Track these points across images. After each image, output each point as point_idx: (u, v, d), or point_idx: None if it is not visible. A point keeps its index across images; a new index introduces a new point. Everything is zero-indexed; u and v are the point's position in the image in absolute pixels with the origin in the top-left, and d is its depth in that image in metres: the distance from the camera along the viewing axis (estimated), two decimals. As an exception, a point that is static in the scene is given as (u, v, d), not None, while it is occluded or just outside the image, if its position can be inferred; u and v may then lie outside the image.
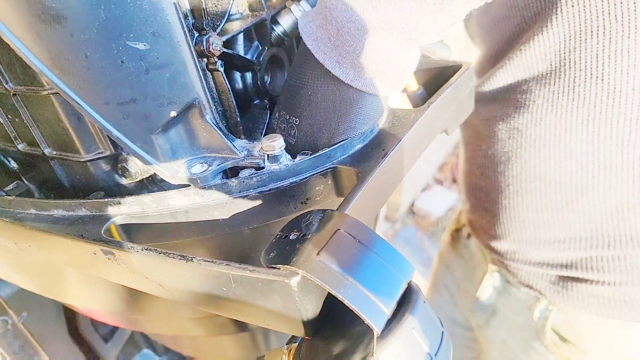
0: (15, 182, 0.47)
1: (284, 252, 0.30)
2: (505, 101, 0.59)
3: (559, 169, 0.57)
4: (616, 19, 0.46)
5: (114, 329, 0.79)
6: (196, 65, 0.34)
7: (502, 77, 0.58)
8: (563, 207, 0.59)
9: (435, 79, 0.52)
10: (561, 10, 0.49)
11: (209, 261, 0.30)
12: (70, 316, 0.73)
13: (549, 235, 0.62)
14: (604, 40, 0.47)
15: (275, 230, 0.41)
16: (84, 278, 0.48)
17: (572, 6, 0.48)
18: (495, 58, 0.61)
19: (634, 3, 0.45)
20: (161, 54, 0.32)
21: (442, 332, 0.30)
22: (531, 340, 0.68)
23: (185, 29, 0.33)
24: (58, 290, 0.56)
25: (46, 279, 0.53)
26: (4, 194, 0.45)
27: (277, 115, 0.42)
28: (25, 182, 0.47)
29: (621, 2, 0.45)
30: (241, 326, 0.54)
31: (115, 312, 0.57)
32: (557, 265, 0.63)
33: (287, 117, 0.41)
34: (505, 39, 0.58)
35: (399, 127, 0.41)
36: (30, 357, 0.78)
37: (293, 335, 0.40)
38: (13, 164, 0.47)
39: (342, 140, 0.39)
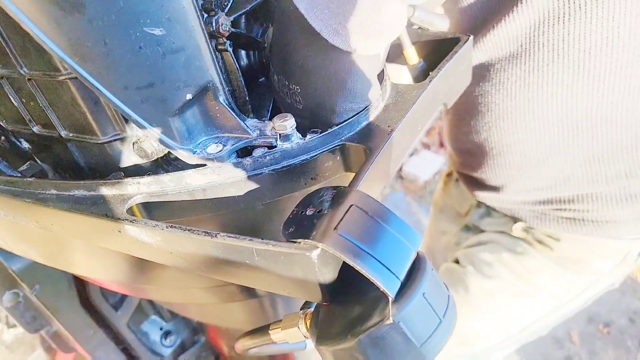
0: (28, 163, 0.48)
1: (303, 227, 0.32)
2: (482, 78, 0.66)
3: (534, 134, 0.66)
4: (580, 7, 0.53)
5: (123, 298, 0.82)
6: (210, 48, 0.35)
7: (477, 56, 0.65)
8: (540, 164, 0.69)
9: (435, 51, 0.53)
10: None
11: (232, 237, 0.32)
12: (81, 287, 0.76)
13: (530, 185, 0.73)
14: (569, 25, 0.55)
15: (286, 205, 0.43)
16: (93, 252, 0.50)
17: None
18: None
19: None
20: (177, 39, 0.33)
21: (448, 296, 0.33)
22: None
23: (199, 13, 0.34)
24: (70, 262, 0.58)
25: (57, 252, 0.55)
26: (18, 174, 0.46)
27: (275, 78, 0.42)
28: (39, 161, 0.48)
29: None
30: (250, 294, 0.57)
31: (125, 283, 0.59)
32: (536, 202, 0.75)
33: (287, 84, 0.41)
34: (478, 19, 0.64)
35: (402, 102, 0.43)
36: (42, 326, 0.81)
37: (306, 302, 0.43)
38: (25, 145, 0.48)
39: (348, 107, 0.40)
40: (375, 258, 0.30)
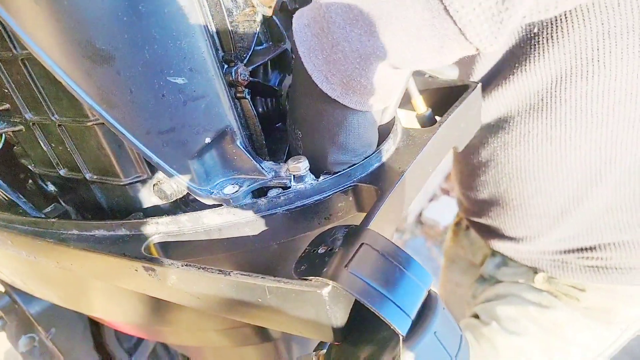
0: (53, 205, 0.50)
1: (314, 264, 0.33)
2: (501, 130, 0.66)
3: (557, 185, 0.65)
4: (604, 65, 0.53)
5: (138, 344, 0.82)
6: (228, 96, 0.38)
7: (495, 107, 0.65)
8: (562, 214, 0.68)
9: (444, 98, 0.55)
10: (550, 53, 0.55)
11: (245, 274, 0.33)
12: (95, 331, 0.76)
13: (551, 236, 0.71)
14: (592, 82, 0.54)
15: (300, 244, 0.44)
16: (112, 293, 0.51)
17: (564, 54, 0.54)
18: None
19: (621, 52, 0.51)
20: (197, 87, 0.36)
21: (461, 336, 0.32)
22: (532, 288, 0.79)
23: (218, 64, 0.36)
24: (88, 304, 0.59)
25: (75, 293, 0.56)
26: (43, 216, 0.48)
27: (288, 121, 0.44)
28: (63, 204, 0.50)
29: (609, 52, 0.51)
30: (265, 337, 0.57)
31: (141, 324, 0.60)
32: (558, 252, 0.73)
33: (293, 128, 0.42)
34: (491, 70, 0.64)
35: (413, 146, 0.44)
36: (57, 372, 0.80)
37: (320, 343, 0.42)
38: (51, 187, 0.50)
39: (340, 160, 0.41)
40: (386, 296, 0.30)
